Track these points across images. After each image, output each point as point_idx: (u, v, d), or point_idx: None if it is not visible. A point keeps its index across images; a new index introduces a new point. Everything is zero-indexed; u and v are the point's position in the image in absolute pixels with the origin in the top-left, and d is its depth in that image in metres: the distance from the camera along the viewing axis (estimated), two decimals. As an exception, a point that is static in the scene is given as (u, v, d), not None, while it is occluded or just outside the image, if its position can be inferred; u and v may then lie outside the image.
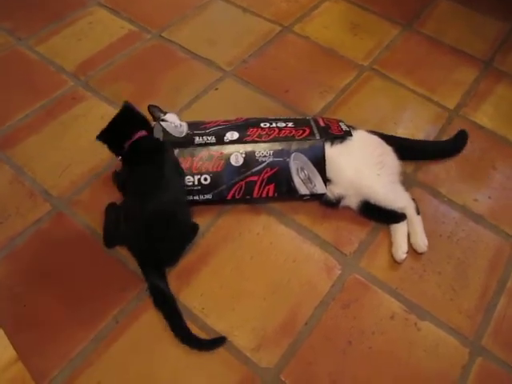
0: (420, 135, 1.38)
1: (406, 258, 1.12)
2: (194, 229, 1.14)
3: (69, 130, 1.36)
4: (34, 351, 0.98)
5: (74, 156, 1.30)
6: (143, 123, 1.12)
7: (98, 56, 1.58)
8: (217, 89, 1.50)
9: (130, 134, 1.09)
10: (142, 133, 1.10)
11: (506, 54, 1.64)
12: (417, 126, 1.41)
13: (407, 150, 1.26)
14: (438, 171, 1.29)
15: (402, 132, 1.39)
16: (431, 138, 1.38)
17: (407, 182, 1.24)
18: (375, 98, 1.49)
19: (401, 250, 1.12)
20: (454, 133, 1.37)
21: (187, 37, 1.65)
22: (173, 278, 1.08)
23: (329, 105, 1.46)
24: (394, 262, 1.12)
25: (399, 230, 1.14)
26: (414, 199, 1.19)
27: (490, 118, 1.44)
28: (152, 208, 1.01)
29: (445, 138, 1.38)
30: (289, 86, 1.51)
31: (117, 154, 1.13)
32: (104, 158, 1.28)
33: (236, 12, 1.76)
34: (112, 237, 1.10)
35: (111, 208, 1.14)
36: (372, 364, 0.99)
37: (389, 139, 1.24)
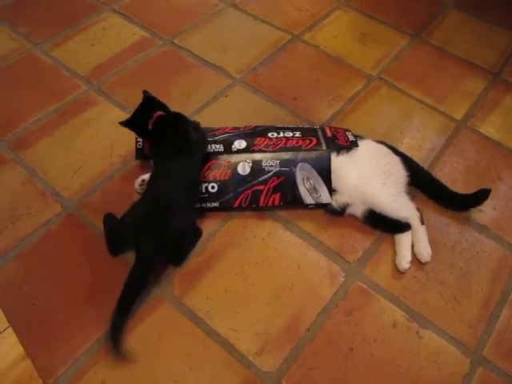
0: (426, 145, 1.39)
1: (409, 267, 1.12)
2: (197, 233, 1.17)
3: (80, 134, 1.39)
4: (41, 349, 1.00)
5: (84, 159, 1.33)
6: (161, 106, 1.19)
7: (110, 61, 1.61)
8: (227, 96, 1.52)
9: (150, 114, 1.16)
10: (160, 112, 1.17)
11: (515, 66, 1.65)
12: (423, 136, 1.42)
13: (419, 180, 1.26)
14: (444, 181, 1.29)
15: (408, 142, 1.40)
16: (438, 149, 1.39)
17: (412, 192, 1.25)
18: (383, 107, 1.51)
19: (404, 260, 1.12)
20: (461, 144, 1.39)
21: (198, 44, 1.68)
22: (178, 280, 1.10)
23: (337, 113, 1.48)
24: (398, 271, 1.13)
25: (403, 240, 1.15)
26: (418, 209, 1.19)
27: (497, 129, 1.45)
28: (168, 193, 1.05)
29: (451, 148, 1.39)
30: (297, 94, 1.53)
31: (143, 136, 1.23)
32: (113, 162, 1.31)
33: (247, 20, 1.79)
34: (115, 242, 1.10)
35: (109, 218, 1.14)
36: (373, 371, 0.99)
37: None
